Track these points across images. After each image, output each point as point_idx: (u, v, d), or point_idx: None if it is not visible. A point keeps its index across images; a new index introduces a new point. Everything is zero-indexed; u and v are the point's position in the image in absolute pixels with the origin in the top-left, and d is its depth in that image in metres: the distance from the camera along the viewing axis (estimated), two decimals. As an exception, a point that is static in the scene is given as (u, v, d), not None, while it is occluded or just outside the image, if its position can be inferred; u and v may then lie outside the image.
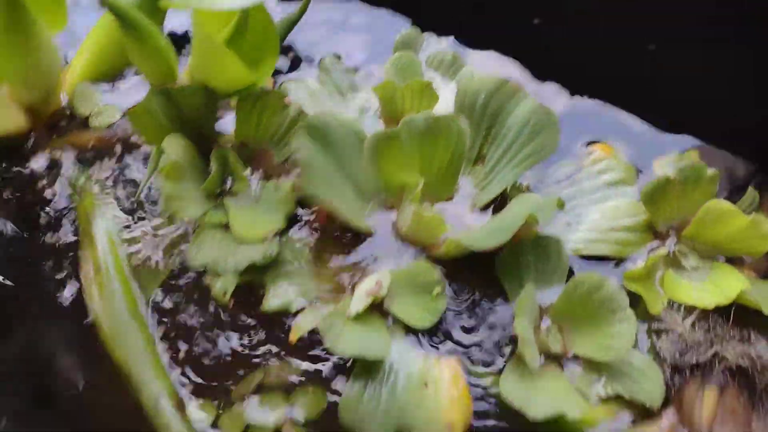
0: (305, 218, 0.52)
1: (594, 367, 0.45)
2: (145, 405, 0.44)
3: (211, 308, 0.48)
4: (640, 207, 0.51)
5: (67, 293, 0.49)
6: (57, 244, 0.51)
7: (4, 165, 0.55)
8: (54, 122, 0.57)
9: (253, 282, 0.48)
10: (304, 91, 0.56)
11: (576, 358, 0.45)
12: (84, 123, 0.57)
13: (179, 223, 0.51)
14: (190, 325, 0.47)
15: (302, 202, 0.51)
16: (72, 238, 0.51)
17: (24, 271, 0.50)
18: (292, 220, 0.51)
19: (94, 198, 0.53)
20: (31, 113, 0.56)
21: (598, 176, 0.53)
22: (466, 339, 0.47)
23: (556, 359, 0.45)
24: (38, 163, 0.55)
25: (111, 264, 0.49)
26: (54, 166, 0.55)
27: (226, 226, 0.49)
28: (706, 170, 0.50)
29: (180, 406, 0.44)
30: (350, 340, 0.43)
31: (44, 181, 0.54)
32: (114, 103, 0.58)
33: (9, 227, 0.53)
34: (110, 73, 0.60)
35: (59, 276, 0.50)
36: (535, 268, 0.47)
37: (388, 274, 0.46)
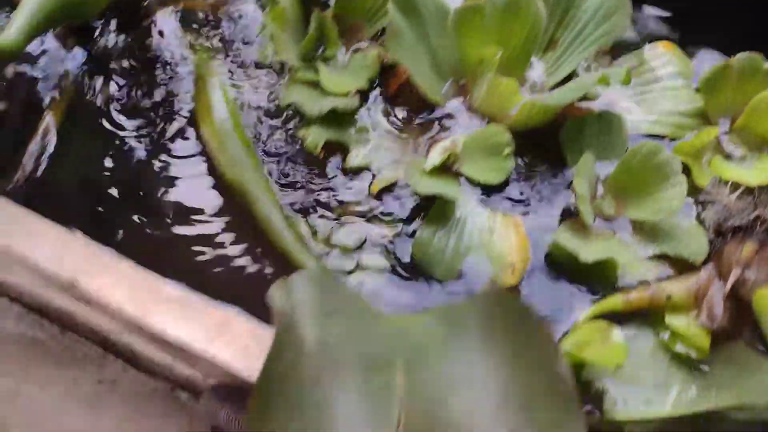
0: (383, 91, 0.57)
1: (643, 229, 0.50)
2: (260, 218, 0.50)
3: (304, 156, 0.54)
4: (696, 96, 0.55)
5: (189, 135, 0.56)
6: (175, 96, 0.58)
7: (123, 28, 0.61)
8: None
9: (339, 141, 0.54)
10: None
11: (626, 222, 0.50)
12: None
13: (277, 77, 0.57)
14: (287, 169, 0.54)
15: (383, 73, 0.57)
16: (189, 88, 0.58)
17: (145, 120, 0.57)
18: (372, 91, 0.57)
19: (208, 53, 0.59)
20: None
21: (660, 68, 0.57)
22: (527, 200, 0.52)
23: (608, 221, 0.50)
24: (155, 24, 0.61)
25: (225, 111, 0.55)
26: (169, 26, 0.61)
27: (314, 84, 0.55)
28: (762, 63, 0.53)
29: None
30: (428, 184, 0.49)
31: (161, 40, 0.60)
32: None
33: (130, 82, 0.58)
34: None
35: (179, 124, 0.56)
36: (596, 140, 0.52)
37: (461, 136, 0.51)
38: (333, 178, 0.53)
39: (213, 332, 0.43)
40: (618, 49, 0.57)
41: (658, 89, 0.56)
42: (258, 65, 0.59)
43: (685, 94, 0.55)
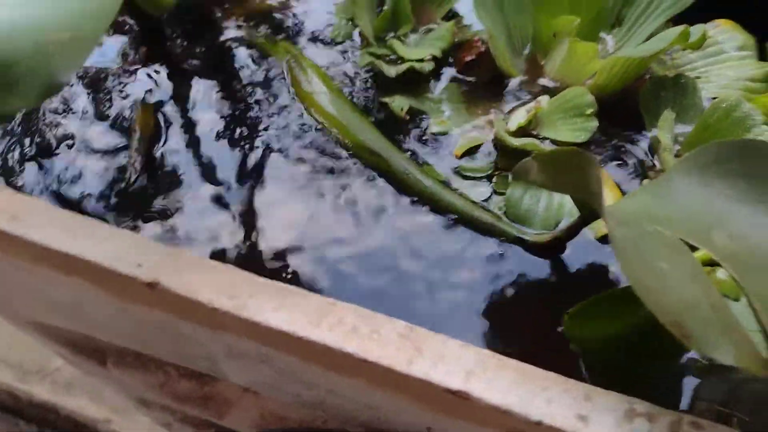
0: (455, 64, 0.59)
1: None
2: (398, 172, 0.53)
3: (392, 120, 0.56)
4: (763, 64, 0.57)
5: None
6: (273, 95, 0.59)
7: (193, 38, 0.63)
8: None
9: (420, 109, 0.56)
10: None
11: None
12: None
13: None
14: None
15: (455, 49, 0.59)
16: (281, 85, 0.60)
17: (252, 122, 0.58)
18: (445, 67, 0.59)
19: (285, 45, 0.61)
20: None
21: (724, 42, 0.59)
22: (607, 161, 0.54)
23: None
24: (230, 32, 0.64)
25: (324, 87, 0.58)
26: (244, 30, 0.64)
27: (386, 58, 0.58)
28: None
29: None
30: (516, 141, 0.50)
31: (237, 43, 0.63)
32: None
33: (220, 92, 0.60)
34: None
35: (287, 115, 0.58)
36: (673, 102, 0.54)
37: (545, 97, 0.53)
38: (421, 140, 0.55)
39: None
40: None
41: (723, 59, 0.58)
42: (335, 42, 0.61)
43: (751, 63, 0.57)
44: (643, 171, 0.53)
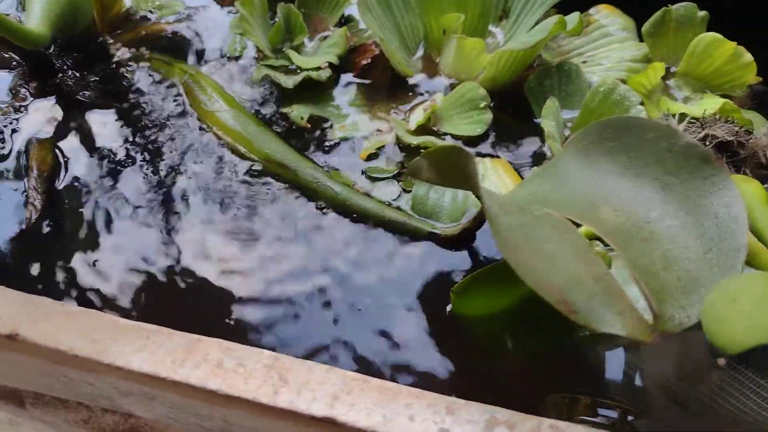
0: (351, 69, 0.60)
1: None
2: (305, 181, 0.53)
3: (294, 130, 0.57)
4: (641, 45, 0.60)
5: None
6: (171, 116, 0.59)
7: (85, 66, 0.62)
8: (120, 20, 0.65)
9: (320, 116, 0.57)
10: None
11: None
12: (145, 17, 0.66)
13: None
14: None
15: (349, 54, 0.60)
16: (180, 105, 0.59)
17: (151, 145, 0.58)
18: (342, 73, 0.60)
19: (181, 64, 0.61)
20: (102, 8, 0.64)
21: (604, 27, 0.62)
22: (502, 146, 0.56)
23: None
24: (123, 58, 0.63)
25: (225, 104, 0.58)
26: (136, 55, 0.63)
27: (284, 68, 0.58)
28: (697, 11, 0.59)
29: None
30: (415, 140, 0.52)
31: (131, 68, 0.62)
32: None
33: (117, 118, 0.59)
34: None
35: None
36: (558, 89, 0.56)
37: (440, 95, 0.55)
38: (326, 147, 0.56)
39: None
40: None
41: (606, 42, 0.61)
42: (232, 58, 0.61)
43: (632, 45, 0.61)
44: (536, 159, 0.55)
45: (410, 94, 0.59)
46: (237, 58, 0.62)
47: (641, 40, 0.61)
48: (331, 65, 0.58)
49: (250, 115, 0.57)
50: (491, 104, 0.55)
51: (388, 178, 0.54)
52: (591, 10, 0.64)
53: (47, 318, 0.36)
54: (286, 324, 0.46)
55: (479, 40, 0.55)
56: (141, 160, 0.56)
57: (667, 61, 0.60)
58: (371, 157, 0.55)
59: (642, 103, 0.54)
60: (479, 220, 0.49)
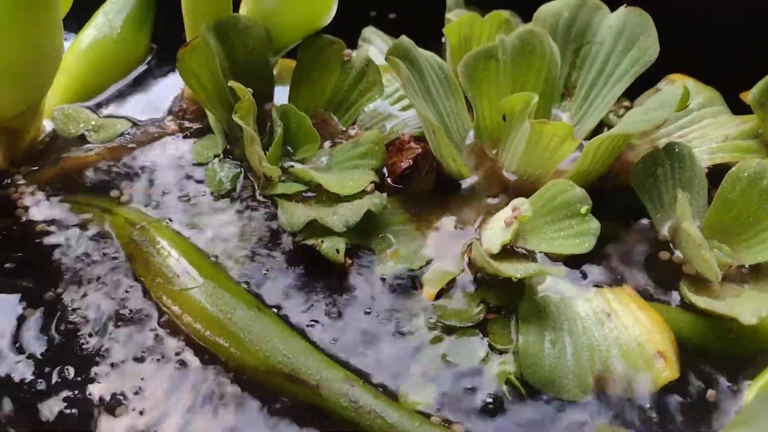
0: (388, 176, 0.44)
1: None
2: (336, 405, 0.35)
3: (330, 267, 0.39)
4: (739, 118, 0.48)
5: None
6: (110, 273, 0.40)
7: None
8: (36, 152, 0.46)
9: (359, 244, 0.41)
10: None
11: (740, 268, 0.40)
12: (75, 143, 0.47)
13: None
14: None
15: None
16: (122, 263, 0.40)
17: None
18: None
19: (132, 212, 0.43)
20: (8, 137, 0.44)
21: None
22: (617, 264, 0.40)
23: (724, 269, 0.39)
24: (39, 209, 0.43)
25: (187, 264, 0.39)
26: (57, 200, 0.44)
27: (303, 195, 0.42)
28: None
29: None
30: (508, 267, 0.35)
31: (51, 225, 0.42)
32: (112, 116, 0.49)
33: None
34: (89, 96, 0.51)
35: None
36: (672, 176, 0.42)
37: (523, 201, 0.39)
38: (376, 291, 0.39)
39: None
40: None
41: (697, 119, 0.48)
42: (215, 196, 0.44)
43: (729, 119, 0.48)
44: (665, 269, 0.40)
45: (470, 201, 0.43)
46: (225, 197, 0.44)
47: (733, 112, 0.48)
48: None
49: (237, 288, 0.39)
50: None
51: (468, 327, 0.37)
52: (660, 83, 0.51)
53: None
54: None
55: (564, 124, 0.40)
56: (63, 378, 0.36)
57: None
58: (439, 294, 0.38)
59: None
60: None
